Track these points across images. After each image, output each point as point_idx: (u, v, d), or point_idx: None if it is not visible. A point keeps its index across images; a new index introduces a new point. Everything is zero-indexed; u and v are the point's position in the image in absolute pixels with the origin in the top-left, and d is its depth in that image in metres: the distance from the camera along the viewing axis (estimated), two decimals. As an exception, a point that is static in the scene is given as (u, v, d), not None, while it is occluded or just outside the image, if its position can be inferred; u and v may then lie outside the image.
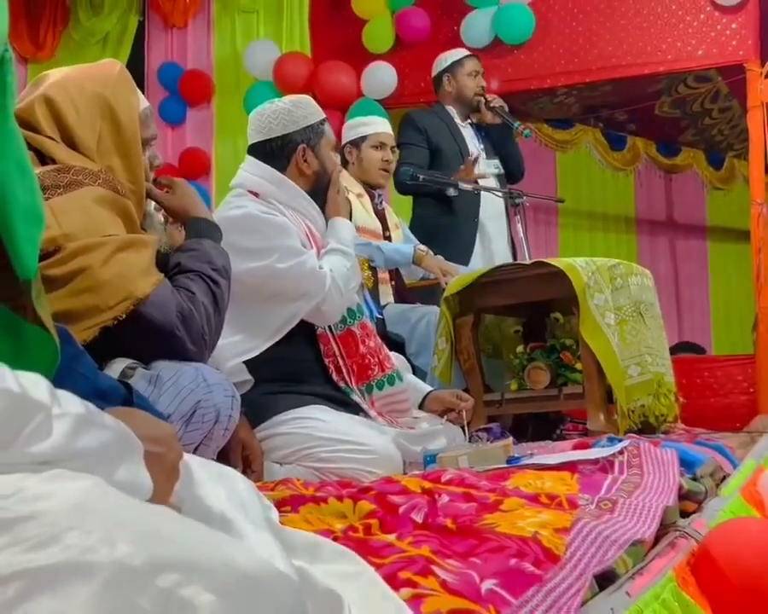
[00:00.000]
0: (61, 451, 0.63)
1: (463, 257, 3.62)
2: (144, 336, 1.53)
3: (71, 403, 0.66)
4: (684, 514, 1.55)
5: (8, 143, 0.66)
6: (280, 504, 1.35)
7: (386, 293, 3.25)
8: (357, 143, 3.40)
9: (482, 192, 3.64)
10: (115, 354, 1.54)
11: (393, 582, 0.89)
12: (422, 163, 3.74)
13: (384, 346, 2.31)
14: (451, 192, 3.46)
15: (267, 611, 0.62)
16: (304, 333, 2.16)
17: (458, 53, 4.03)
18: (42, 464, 0.62)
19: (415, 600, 0.85)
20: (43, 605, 0.54)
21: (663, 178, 6.83)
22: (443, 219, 3.73)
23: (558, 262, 2.67)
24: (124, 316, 1.50)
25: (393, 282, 3.33)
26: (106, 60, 1.81)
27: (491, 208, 3.81)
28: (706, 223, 7.02)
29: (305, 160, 2.25)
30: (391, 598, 0.84)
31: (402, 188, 3.78)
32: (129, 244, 1.55)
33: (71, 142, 1.64)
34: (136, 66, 5.26)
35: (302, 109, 2.27)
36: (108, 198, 1.59)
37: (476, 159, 3.68)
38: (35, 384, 0.64)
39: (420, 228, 3.76)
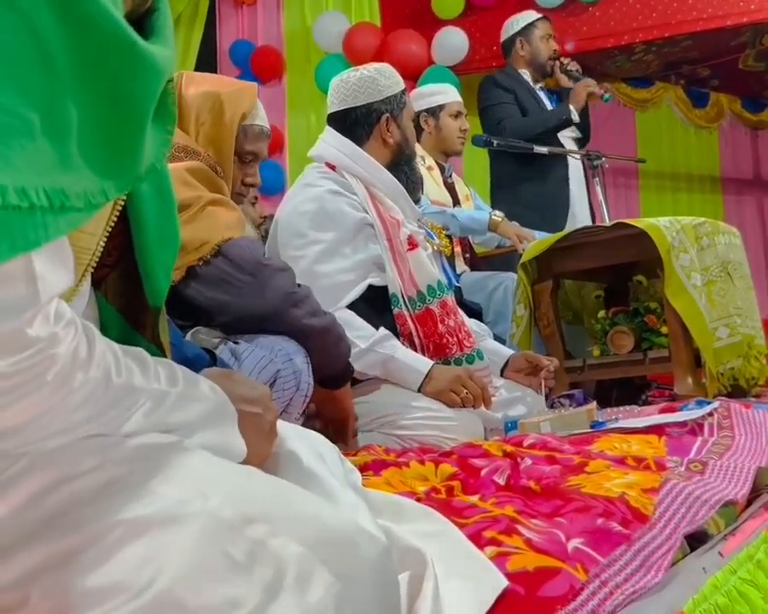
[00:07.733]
0: (161, 427, 0.65)
1: (558, 223, 3.46)
2: (224, 279, 1.57)
3: (171, 377, 0.68)
4: (779, 476, 1.50)
5: (151, 168, 0.66)
6: (362, 468, 1.36)
7: (460, 265, 3.22)
8: (434, 112, 3.36)
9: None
10: (197, 307, 1.58)
11: (477, 540, 0.89)
12: (518, 117, 3.66)
13: (465, 324, 2.24)
14: (542, 150, 3.30)
15: (355, 566, 0.63)
16: (379, 310, 2.12)
17: (530, 15, 3.93)
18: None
19: (500, 558, 0.84)
20: (140, 551, 0.56)
21: (749, 135, 6.58)
22: (532, 183, 3.63)
23: (640, 222, 2.59)
24: (208, 257, 1.55)
25: (468, 255, 3.30)
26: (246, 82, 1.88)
27: (575, 172, 3.73)
28: (796, 180, 6.73)
29: (389, 130, 2.23)
30: (475, 555, 0.84)
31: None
32: (220, 201, 1.63)
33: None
34: (208, 46, 5.34)
35: (386, 78, 2.24)
36: (205, 171, 1.66)
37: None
38: (138, 357, 0.65)
39: (504, 192, 3.68)
